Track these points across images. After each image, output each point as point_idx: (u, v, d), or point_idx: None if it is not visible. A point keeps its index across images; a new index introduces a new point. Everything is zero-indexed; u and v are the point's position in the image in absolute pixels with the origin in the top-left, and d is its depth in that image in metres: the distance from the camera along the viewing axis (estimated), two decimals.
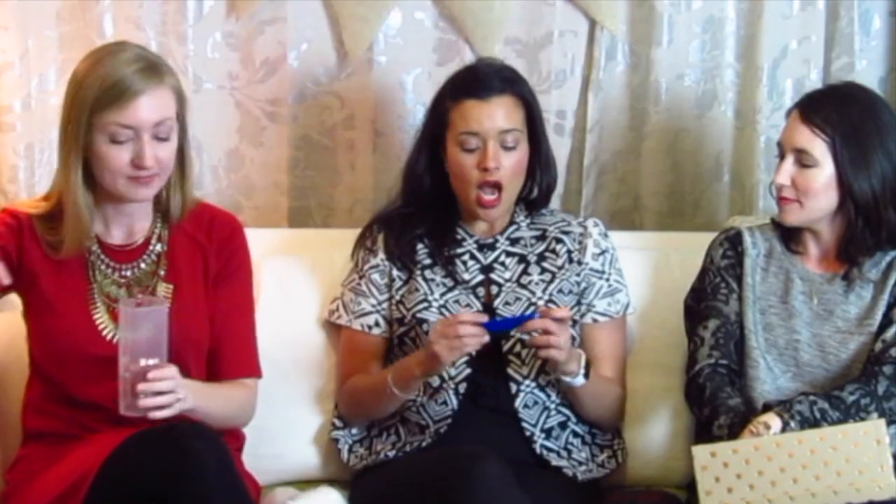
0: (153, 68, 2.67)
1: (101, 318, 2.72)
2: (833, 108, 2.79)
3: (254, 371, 2.84)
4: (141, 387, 2.51)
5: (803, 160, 2.80)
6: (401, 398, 2.86)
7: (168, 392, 2.53)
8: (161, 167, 2.68)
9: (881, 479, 2.55)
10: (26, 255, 2.72)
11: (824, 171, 2.79)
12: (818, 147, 2.78)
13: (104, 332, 2.71)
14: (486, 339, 2.73)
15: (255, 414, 2.86)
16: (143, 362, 2.52)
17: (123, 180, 2.67)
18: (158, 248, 2.78)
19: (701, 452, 2.59)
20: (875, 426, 2.57)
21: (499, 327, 2.81)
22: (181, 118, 2.72)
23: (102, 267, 2.75)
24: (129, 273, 2.76)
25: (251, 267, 2.87)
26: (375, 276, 2.99)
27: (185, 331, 2.73)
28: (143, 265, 2.77)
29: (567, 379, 2.83)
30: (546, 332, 2.73)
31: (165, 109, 2.67)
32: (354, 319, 2.99)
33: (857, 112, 2.80)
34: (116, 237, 2.77)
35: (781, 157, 2.84)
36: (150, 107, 2.64)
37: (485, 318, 2.75)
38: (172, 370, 2.55)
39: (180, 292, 2.76)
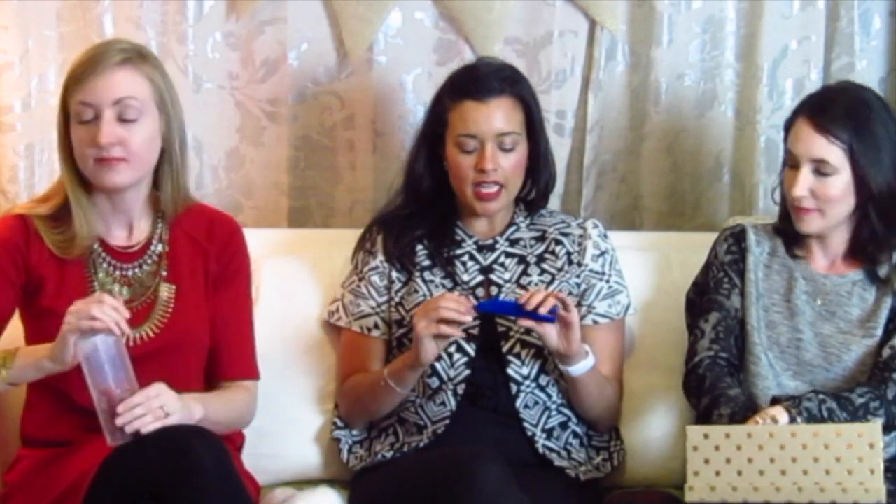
0: (129, 52, 2.67)
1: None
2: (843, 112, 2.77)
3: (252, 373, 2.85)
4: (119, 421, 2.49)
5: (822, 169, 2.77)
6: (398, 393, 2.86)
7: (146, 414, 2.50)
8: (128, 152, 2.66)
9: (869, 482, 2.53)
10: (33, 259, 2.71)
11: (842, 177, 2.77)
12: (836, 154, 2.76)
13: None
14: (468, 318, 2.74)
15: (255, 415, 2.87)
16: (114, 391, 2.50)
17: (91, 163, 2.66)
18: (160, 248, 2.78)
19: (694, 433, 2.59)
20: (870, 429, 2.56)
21: (490, 308, 2.83)
22: (164, 109, 2.70)
23: (105, 266, 2.75)
24: (130, 273, 2.76)
25: (250, 268, 2.87)
26: (375, 278, 2.99)
27: (187, 332, 2.74)
28: (145, 266, 2.77)
29: (564, 367, 2.84)
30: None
31: (129, 89, 2.65)
32: (354, 321, 2.99)
33: (864, 111, 2.78)
34: (118, 237, 2.77)
35: (793, 166, 2.81)
36: (110, 83, 2.64)
37: (468, 303, 2.76)
38: (142, 395, 2.51)
39: (182, 293, 2.76)
